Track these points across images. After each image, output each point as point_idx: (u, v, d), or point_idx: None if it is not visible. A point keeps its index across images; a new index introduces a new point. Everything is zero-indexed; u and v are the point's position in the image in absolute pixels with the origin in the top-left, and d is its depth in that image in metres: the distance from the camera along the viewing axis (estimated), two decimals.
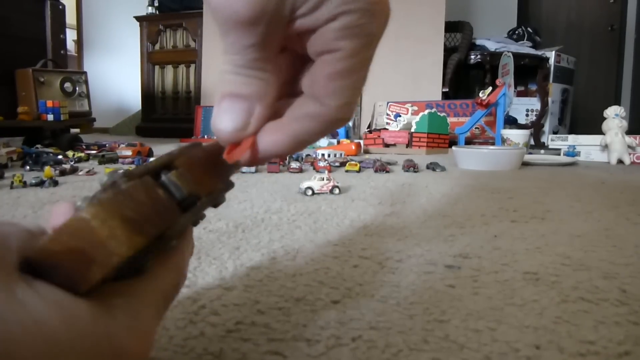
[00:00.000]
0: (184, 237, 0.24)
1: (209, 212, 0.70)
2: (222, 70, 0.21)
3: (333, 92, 0.20)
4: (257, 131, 0.22)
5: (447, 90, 3.11)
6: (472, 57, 3.23)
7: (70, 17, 3.23)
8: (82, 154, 1.57)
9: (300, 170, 1.26)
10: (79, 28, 4.58)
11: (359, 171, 1.29)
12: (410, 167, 1.32)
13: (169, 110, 3.73)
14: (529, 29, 3.48)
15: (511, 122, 3.07)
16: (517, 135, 2.08)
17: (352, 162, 1.32)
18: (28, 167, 1.24)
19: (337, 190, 0.88)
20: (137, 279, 0.20)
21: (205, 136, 3.18)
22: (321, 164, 1.32)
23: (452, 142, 2.31)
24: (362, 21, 0.19)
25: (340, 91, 0.21)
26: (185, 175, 0.20)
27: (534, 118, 3.34)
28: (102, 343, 0.16)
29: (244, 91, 0.21)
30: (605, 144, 1.78)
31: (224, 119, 0.21)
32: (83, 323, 0.16)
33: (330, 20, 0.19)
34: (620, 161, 1.74)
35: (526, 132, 2.14)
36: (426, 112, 2.14)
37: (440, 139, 2.20)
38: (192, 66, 3.65)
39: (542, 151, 2.08)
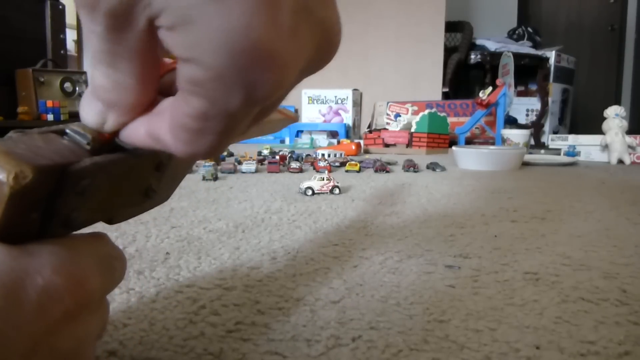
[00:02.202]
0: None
1: (209, 212, 0.70)
2: None
3: (173, 136, 0.17)
4: (117, 130, 0.19)
5: (447, 90, 3.12)
6: (472, 57, 3.23)
7: (70, 17, 3.23)
8: None
9: (300, 170, 1.26)
10: (79, 28, 4.58)
11: (359, 171, 1.29)
12: (410, 167, 1.32)
13: None
14: (529, 29, 3.48)
15: (511, 122, 3.07)
16: (517, 135, 2.08)
17: (352, 162, 1.32)
18: None
19: (337, 190, 0.88)
20: (69, 237, 0.20)
21: None
22: (321, 164, 1.32)
23: (452, 142, 2.31)
24: (211, 85, 0.15)
25: (182, 140, 0.17)
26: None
27: (534, 118, 3.34)
28: (23, 278, 0.17)
29: (100, 92, 0.18)
30: (606, 144, 1.78)
31: (83, 111, 0.19)
32: None
33: (184, 61, 0.15)
34: (620, 161, 1.74)
35: (526, 132, 2.14)
36: (426, 112, 2.14)
37: (440, 139, 2.20)
38: None
39: (542, 151, 2.08)
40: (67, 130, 0.19)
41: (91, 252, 0.21)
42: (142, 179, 0.23)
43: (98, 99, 0.19)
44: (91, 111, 0.19)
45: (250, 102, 0.16)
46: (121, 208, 0.24)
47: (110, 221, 0.24)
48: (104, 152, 0.20)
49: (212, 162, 1.26)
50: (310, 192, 0.87)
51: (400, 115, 2.66)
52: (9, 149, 0.17)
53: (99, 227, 0.24)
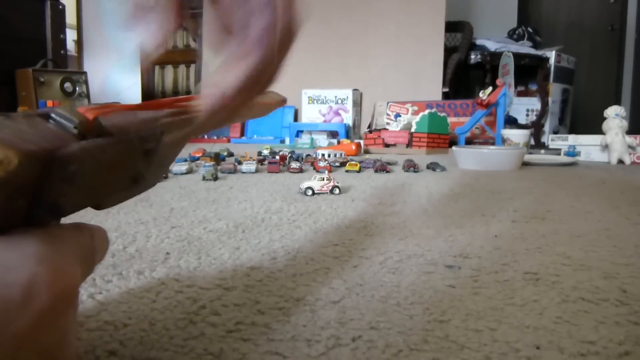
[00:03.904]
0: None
1: (209, 212, 0.70)
2: None
3: (237, 20, 0.20)
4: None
5: (447, 90, 3.11)
6: (472, 57, 3.23)
7: (70, 17, 3.23)
8: None
9: (301, 170, 1.26)
10: (79, 28, 4.58)
11: (359, 171, 1.29)
12: (410, 167, 1.32)
13: None
14: (529, 29, 3.48)
15: (511, 122, 3.07)
16: (517, 135, 2.08)
17: (352, 162, 1.32)
18: None
19: (337, 190, 0.88)
20: (53, 226, 0.20)
21: (205, 136, 3.19)
22: (321, 164, 1.32)
23: (452, 142, 2.31)
24: None
25: (243, 19, 0.19)
26: (78, 109, 0.19)
27: (534, 118, 3.34)
28: (6, 272, 0.16)
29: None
30: (606, 144, 1.78)
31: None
32: None
33: None
34: (620, 161, 1.74)
35: (526, 132, 2.14)
36: (426, 112, 2.14)
37: (441, 139, 2.20)
38: (192, 66, 3.66)
39: (543, 151, 2.08)
40: (52, 115, 0.19)
41: (73, 242, 0.21)
42: (131, 164, 0.23)
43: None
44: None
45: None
46: (109, 193, 0.23)
47: (98, 207, 0.23)
48: (90, 138, 0.19)
49: (212, 163, 1.26)
50: (310, 192, 0.87)
51: (400, 115, 2.66)
52: None
53: (96, 220, 0.24)
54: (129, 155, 0.22)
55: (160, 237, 0.55)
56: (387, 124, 2.79)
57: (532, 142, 2.56)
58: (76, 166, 0.18)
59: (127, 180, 0.23)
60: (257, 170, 1.23)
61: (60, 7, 2.61)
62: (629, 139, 1.74)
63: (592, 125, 2.82)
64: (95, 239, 0.23)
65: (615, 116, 1.76)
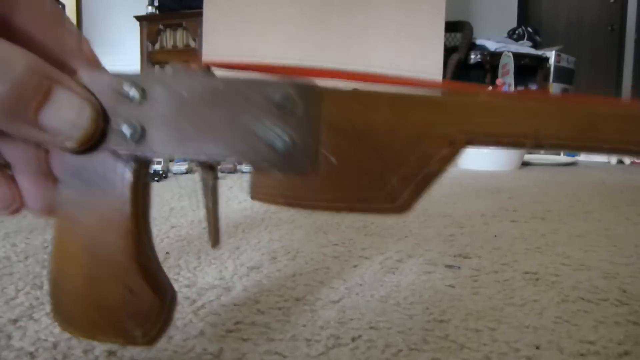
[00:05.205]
0: None
1: None
2: None
3: None
4: None
5: None
6: (472, 57, 3.23)
7: (70, 17, 3.23)
8: None
9: None
10: (79, 28, 4.58)
11: None
12: None
13: None
14: (529, 29, 3.48)
15: None
16: None
17: None
18: None
19: None
20: None
21: None
22: None
23: None
24: None
25: None
26: None
27: None
28: None
29: None
30: None
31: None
32: None
33: None
34: (620, 161, 1.74)
35: None
36: None
37: None
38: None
39: (542, 151, 2.08)
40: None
41: None
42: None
43: None
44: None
45: None
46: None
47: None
48: None
49: None
50: None
51: None
52: None
53: None
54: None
55: (160, 237, 0.55)
56: None
57: None
58: None
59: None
60: None
61: (60, 7, 2.61)
62: None
63: None
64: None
65: None
